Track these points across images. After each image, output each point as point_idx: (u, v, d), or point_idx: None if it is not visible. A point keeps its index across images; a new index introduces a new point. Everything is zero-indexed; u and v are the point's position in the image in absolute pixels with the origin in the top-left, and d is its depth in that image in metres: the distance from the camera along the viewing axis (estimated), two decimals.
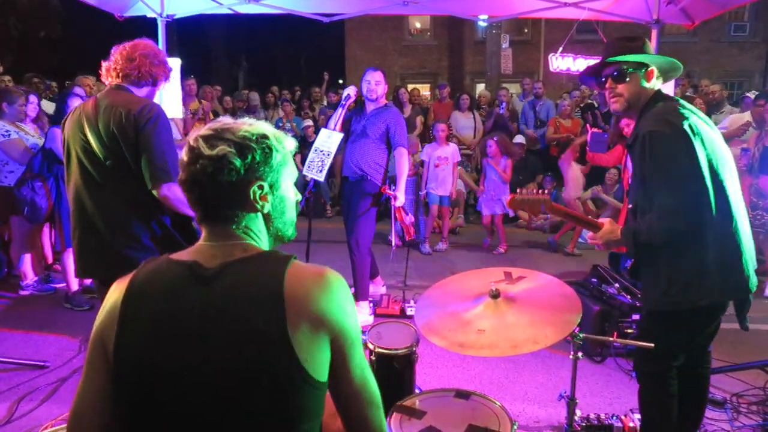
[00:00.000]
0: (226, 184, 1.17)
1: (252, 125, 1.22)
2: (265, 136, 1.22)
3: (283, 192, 1.27)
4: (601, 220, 2.36)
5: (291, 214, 1.32)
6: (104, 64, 2.46)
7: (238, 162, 1.17)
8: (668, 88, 4.96)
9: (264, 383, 1.09)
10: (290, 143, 1.28)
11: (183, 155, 1.20)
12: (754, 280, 2.18)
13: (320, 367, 1.14)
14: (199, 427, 1.10)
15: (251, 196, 1.20)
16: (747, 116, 5.80)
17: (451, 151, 6.57)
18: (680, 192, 2.00)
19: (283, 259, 1.18)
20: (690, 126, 2.04)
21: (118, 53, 2.43)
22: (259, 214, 1.24)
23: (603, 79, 2.26)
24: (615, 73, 2.20)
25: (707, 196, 2.02)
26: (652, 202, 2.10)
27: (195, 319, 1.11)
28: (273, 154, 1.22)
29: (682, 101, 2.18)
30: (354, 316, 1.20)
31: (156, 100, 2.57)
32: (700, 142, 2.04)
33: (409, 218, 4.36)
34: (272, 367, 1.09)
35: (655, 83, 2.23)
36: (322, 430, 1.22)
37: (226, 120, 1.23)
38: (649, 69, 2.20)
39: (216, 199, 1.19)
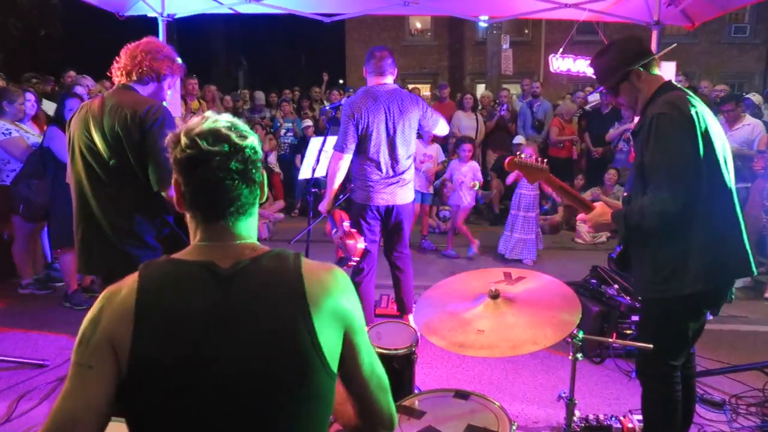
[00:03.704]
0: (259, 171, 1.22)
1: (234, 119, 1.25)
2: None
3: None
4: (594, 203, 2.39)
5: None
6: (113, 66, 2.48)
7: (260, 152, 1.22)
8: None
9: (291, 377, 1.12)
10: None
11: (211, 147, 1.14)
12: (755, 268, 2.20)
13: (335, 357, 1.19)
14: (223, 424, 1.11)
15: (264, 183, 1.26)
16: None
17: (435, 149, 6.83)
18: (677, 176, 2.02)
19: (293, 256, 1.22)
20: (697, 113, 2.06)
21: (123, 53, 2.46)
22: (257, 206, 1.28)
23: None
24: (607, 91, 2.38)
25: (701, 184, 2.04)
26: (646, 187, 2.12)
27: (218, 318, 1.12)
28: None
29: (690, 92, 2.20)
30: (359, 307, 1.27)
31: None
32: (705, 131, 2.06)
33: (336, 233, 3.73)
34: (300, 361, 1.12)
35: (652, 74, 2.26)
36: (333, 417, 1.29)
37: (211, 114, 1.22)
38: (631, 72, 2.24)
39: (254, 186, 1.21)
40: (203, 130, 1.16)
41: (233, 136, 1.17)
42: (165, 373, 1.09)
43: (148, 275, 1.16)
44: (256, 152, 1.20)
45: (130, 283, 1.15)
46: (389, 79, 3.61)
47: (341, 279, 1.24)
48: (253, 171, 1.20)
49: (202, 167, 1.15)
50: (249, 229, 1.25)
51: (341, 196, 3.83)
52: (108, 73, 2.52)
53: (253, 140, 1.20)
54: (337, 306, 1.19)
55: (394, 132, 3.51)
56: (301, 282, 1.16)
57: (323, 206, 3.73)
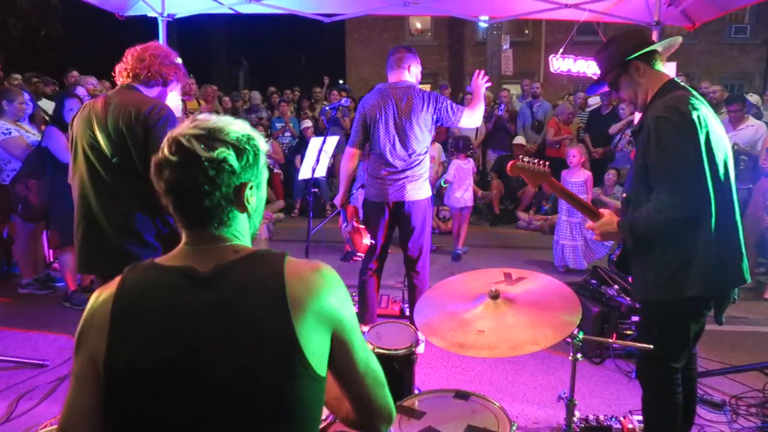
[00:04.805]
0: (225, 186, 1.15)
1: (236, 125, 1.20)
2: (252, 137, 1.21)
3: (263, 192, 1.28)
4: (601, 210, 2.36)
5: (262, 212, 1.34)
6: (117, 66, 2.49)
7: (236, 164, 1.16)
8: None
9: (271, 382, 1.09)
10: (264, 144, 1.27)
11: (170, 155, 1.13)
12: (748, 275, 2.18)
13: (322, 361, 1.15)
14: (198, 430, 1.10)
15: (244, 198, 1.19)
16: None
17: (437, 149, 6.89)
18: (681, 182, 2.01)
19: (278, 257, 1.18)
20: (698, 117, 2.04)
21: (129, 54, 2.48)
22: (246, 214, 1.23)
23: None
24: (609, 86, 2.35)
25: (707, 188, 2.02)
26: (650, 190, 2.10)
27: (197, 324, 1.10)
28: (260, 155, 1.22)
29: (694, 92, 2.17)
30: (350, 304, 1.22)
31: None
32: (705, 135, 2.04)
33: (346, 227, 3.80)
34: (280, 365, 1.09)
35: (654, 69, 2.24)
36: (330, 413, 1.28)
37: (208, 117, 1.20)
38: (631, 64, 2.22)
39: (213, 202, 1.16)
40: (171, 137, 1.15)
41: (196, 146, 1.12)
42: (139, 379, 1.08)
43: (128, 280, 1.15)
44: (217, 164, 1.13)
45: (110, 288, 1.15)
46: (406, 76, 3.60)
47: (328, 277, 1.19)
48: (207, 186, 1.13)
49: (164, 173, 1.14)
50: (234, 232, 1.21)
51: (354, 190, 3.86)
52: (111, 74, 2.53)
53: (221, 152, 1.13)
54: (323, 307, 1.14)
55: (403, 128, 3.51)
56: (282, 284, 1.12)
57: (337, 200, 3.82)
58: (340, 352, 1.19)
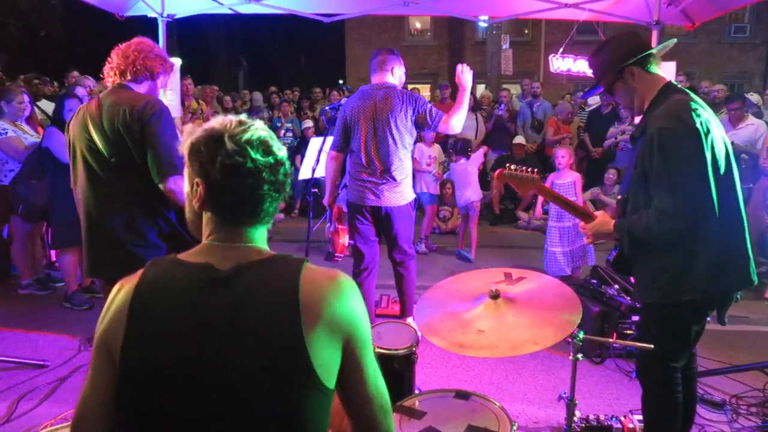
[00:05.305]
0: (280, 185, 1.20)
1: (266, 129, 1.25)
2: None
3: None
4: (595, 212, 2.35)
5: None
6: (105, 68, 2.50)
7: (288, 165, 1.21)
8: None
9: (276, 388, 1.08)
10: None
11: (264, 158, 1.16)
12: (755, 277, 2.17)
13: (331, 373, 1.14)
14: (206, 430, 1.10)
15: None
16: None
17: (437, 150, 6.98)
18: (683, 194, 1.98)
19: (297, 262, 1.18)
20: (702, 123, 2.00)
21: (114, 53, 2.49)
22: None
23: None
24: (604, 90, 2.32)
25: (710, 197, 1.99)
26: (649, 198, 2.08)
27: (209, 322, 1.10)
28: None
29: (693, 95, 2.13)
30: (366, 319, 1.20)
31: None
32: (710, 141, 2.01)
33: (329, 227, 3.86)
34: (286, 372, 1.08)
35: (650, 73, 2.20)
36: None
37: (245, 119, 1.22)
38: (624, 69, 2.18)
39: (276, 200, 1.20)
40: (253, 140, 1.16)
41: (275, 148, 1.18)
42: (153, 377, 1.09)
43: (149, 274, 1.17)
44: (288, 165, 1.21)
45: (131, 281, 1.17)
46: (389, 78, 3.58)
47: (347, 288, 1.18)
48: (285, 185, 1.21)
49: (248, 177, 1.15)
50: (262, 234, 1.24)
51: (339, 190, 3.91)
52: (101, 75, 2.54)
53: (286, 153, 1.22)
54: (335, 315, 1.13)
55: (382, 131, 3.46)
56: (296, 291, 1.11)
57: (325, 200, 3.85)
58: (349, 366, 1.16)
